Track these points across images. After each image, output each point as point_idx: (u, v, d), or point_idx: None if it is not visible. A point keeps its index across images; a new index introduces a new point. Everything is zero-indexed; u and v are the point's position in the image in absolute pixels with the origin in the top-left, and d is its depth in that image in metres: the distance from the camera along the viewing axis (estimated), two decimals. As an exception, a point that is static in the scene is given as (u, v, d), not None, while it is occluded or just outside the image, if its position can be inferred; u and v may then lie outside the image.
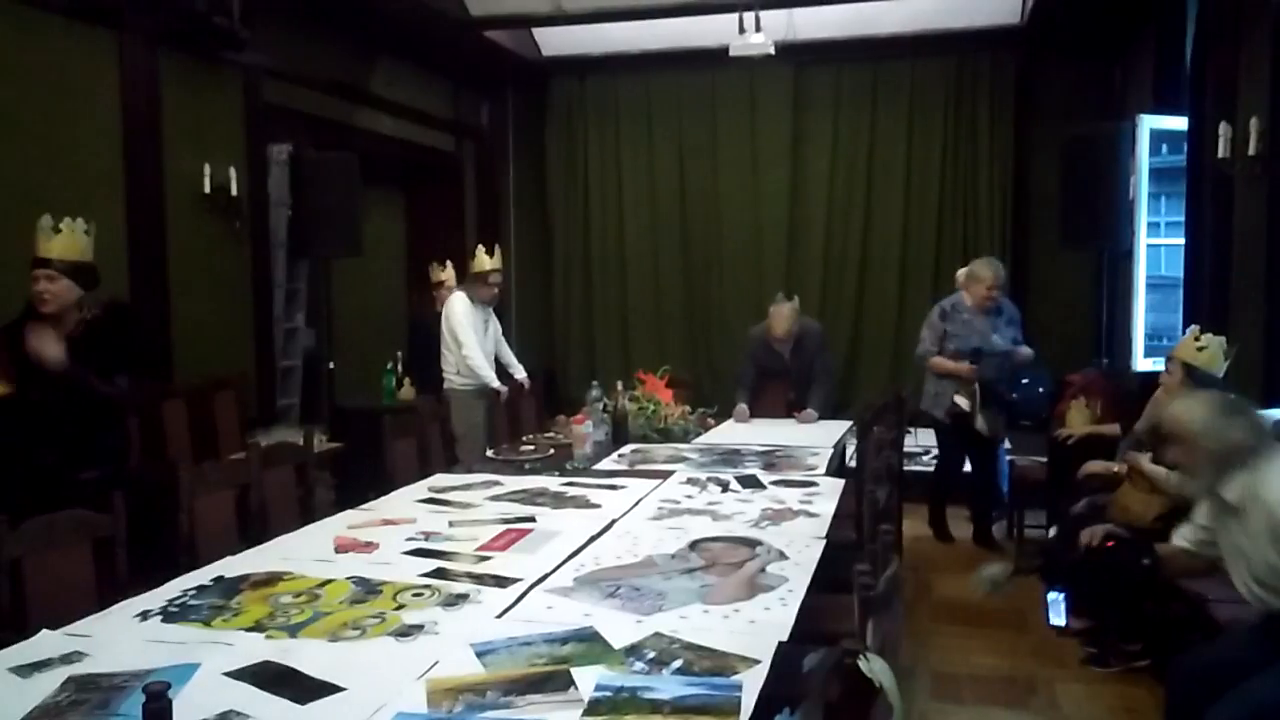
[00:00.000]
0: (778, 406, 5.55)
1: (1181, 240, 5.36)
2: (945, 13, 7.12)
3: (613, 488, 3.67)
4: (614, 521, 3.15)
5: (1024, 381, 5.56)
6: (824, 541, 2.86)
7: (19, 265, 3.49)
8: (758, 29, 6.22)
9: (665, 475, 3.89)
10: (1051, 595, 3.85)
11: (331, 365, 6.60)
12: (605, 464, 4.21)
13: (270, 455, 3.55)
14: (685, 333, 8.29)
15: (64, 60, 4.57)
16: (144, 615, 2.28)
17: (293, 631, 2.17)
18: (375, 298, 7.79)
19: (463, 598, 2.38)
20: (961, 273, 5.91)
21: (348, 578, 2.54)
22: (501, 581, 2.51)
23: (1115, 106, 7.09)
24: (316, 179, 5.95)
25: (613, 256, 8.38)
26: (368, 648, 2.08)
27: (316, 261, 6.34)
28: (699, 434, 4.92)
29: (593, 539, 2.93)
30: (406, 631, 2.15)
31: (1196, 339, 3.78)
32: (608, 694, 1.81)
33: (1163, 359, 4.18)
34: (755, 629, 2.14)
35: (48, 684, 1.89)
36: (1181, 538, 3.01)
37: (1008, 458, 5.69)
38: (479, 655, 2.00)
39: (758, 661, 1.94)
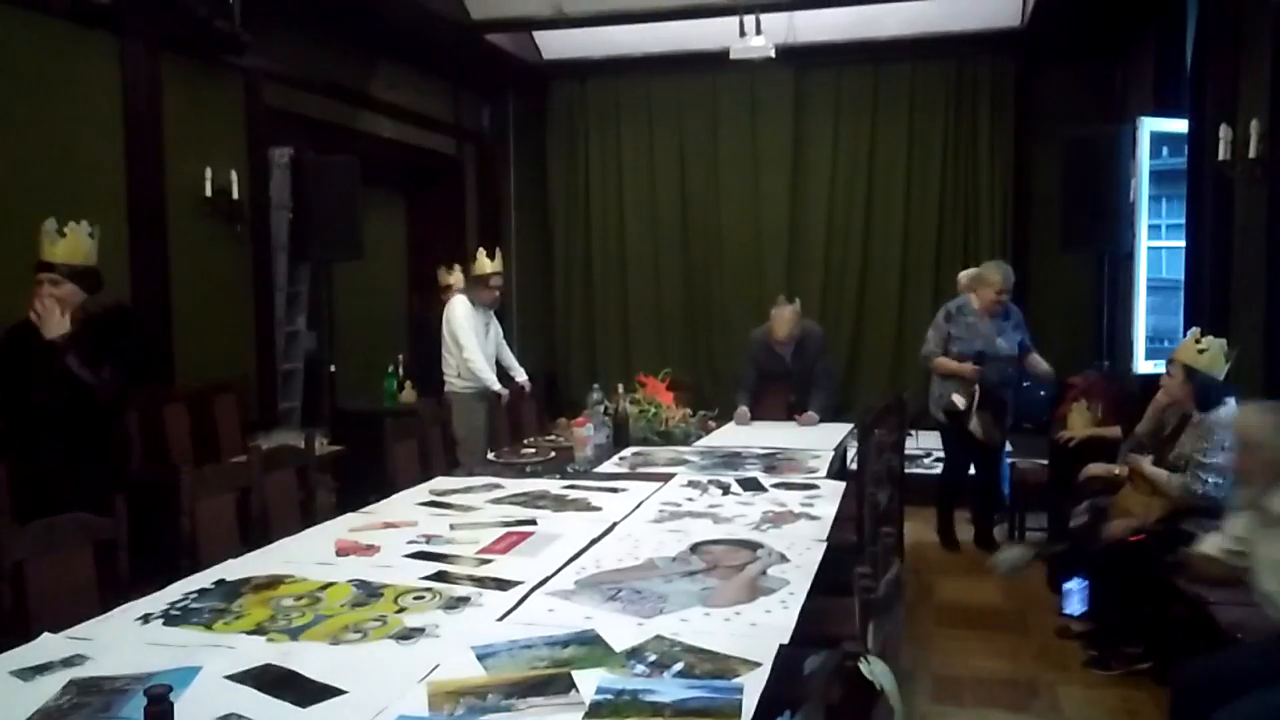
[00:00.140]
0: (779, 409, 5.54)
1: (1182, 242, 5.36)
2: (945, 15, 7.12)
3: (614, 490, 3.66)
4: (615, 524, 3.14)
5: (1025, 384, 5.57)
6: (825, 544, 2.86)
7: (22, 268, 3.49)
8: (758, 32, 6.24)
9: (666, 478, 3.89)
10: (1070, 584, 3.79)
11: (333, 368, 6.60)
12: (606, 467, 4.21)
13: (271, 458, 3.55)
14: (686, 335, 8.29)
15: (66, 64, 4.58)
16: (145, 618, 2.28)
17: (294, 634, 2.17)
18: (376, 301, 7.80)
19: (464, 601, 2.38)
20: (963, 275, 5.92)
21: (349, 581, 2.54)
22: (503, 584, 2.50)
23: (1115, 109, 7.10)
24: (317, 182, 5.96)
25: (613, 259, 8.38)
26: (369, 651, 2.08)
27: (318, 264, 6.35)
28: (700, 437, 4.92)
29: (594, 542, 2.93)
30: (408, 634, 2.15)
31: (1197, 341, 3.78)
32: (609, 697, 1.81)
33: (1164, 361, 4.18)
34: (756, 632, 2.14)
35: (49, 687, 1.89)
36: (1211, 545, 3.00)
37: (1009, 460, 5.69)
38: (480, 658, 2.00)
39: (759, 664, 1.93)
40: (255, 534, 3.18)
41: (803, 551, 2.77)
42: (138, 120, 4.88)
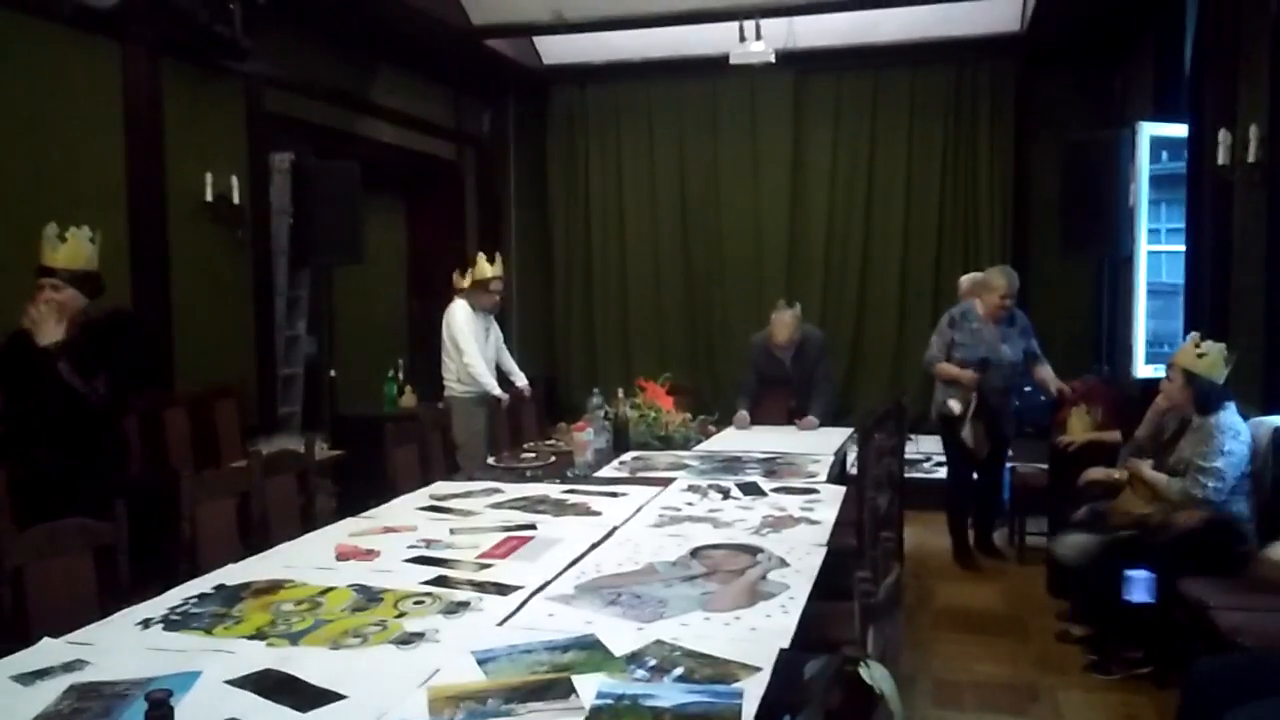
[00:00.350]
0: (779, 414, 5.54)
1: (1182, 247, 5.36)
2: (945, 21, 7.13)
3: (614, 495, 3.67)
4: (615, 529, 3.14)
5: (1026, 389, 5.56)
6: (825, 549, 2.86)
7: (23, 273, 3.50)
8: (758, 37, 6.26)
9: (666, 482, 3.89)
10: (1135, 572, 3.68)
11: (333, 373, 6.61)
12: (606, 471, 4.21)
13: (271, 463, 3.55)
14: (686, 340, 8.29)
15: (67, 70, 4.58)
16: (146, 623, 2.28)
17: (294, 639, 2.17)
18: (377, 305, 7.81)
19: (464, 605, 2.38)
20: (964, 279, 5.91)
21: (349, 585, 2.54)
22: (503, 589, 2.50)
23: (1115, 113, 7.11)
24: (318, 187, 5.97)
25: (614, 264, 8.39)
26: (369, 655, 2.08)
27: (318, 269, 6.36)
28: (700, 441, 4.91)
29: (594, 546, 2.93)
30: (408, 639, 2.15)
31: (1197, 345, 3.78)
32: (609, 702, 1.81)
33: (1163, 366, 4.18)
34: (756, 636, 2.14)
35: (49, 692, 1.89)
36: None
37: (1009, 464, 5.68)
38: (480, 663, 2.00)
39: (759, 669, 1.93)
40: (255, 539, 3.18)
41: (803, 556, 2.77)
42: (139, 125, 4.88)
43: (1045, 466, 5.33)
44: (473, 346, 5.49)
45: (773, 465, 4.26)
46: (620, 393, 5.06)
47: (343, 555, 2.86)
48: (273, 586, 2.55)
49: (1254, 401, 4.03)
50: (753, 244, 8.07)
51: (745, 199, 8.07)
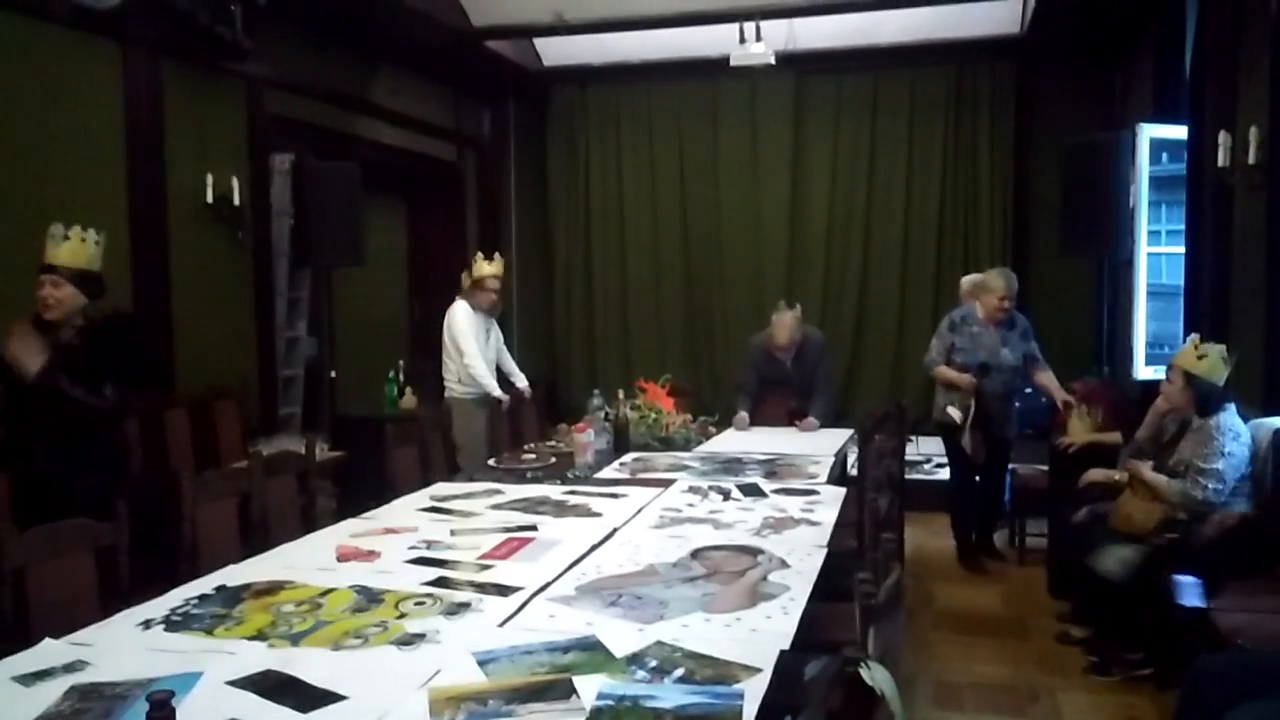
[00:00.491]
0: (779, 415, 5.54)
1: (1182, 248, 5.36)
2: (945, 22, 7.14)
3: (614, 496, 3.67)
4: (615, 530, 3.15)
5: (1027, 391, 5.56)
6: (825, 550, 2.86)
7: (24, 274, 3.50)
8: (758, 39, 6.26)
9: (667, 484, 3.89)
10: (1182, 577, 3.64)
11: (333, 374, 6.60)
12: (606, 472, 4.21)
13: (272, 464, 3.56)
14: (686, 341, 8.30)
15: (67, 71, 4.58)
16: (146, 624, 2.28)
17: (295, 640, 2.17)
18: (377, 307, 7.80)
19: (464, 606, 2.38)
20: (965, 281, 5.91)
21: (350, 586, 2.54)
22: (503, 590, 2.51)
23: (1115, 115, 7.12)
24: (318, 188, 5.97)
25: (614, 265, 8.40)
26: (370, 656, 2.08)
27: (318, 270, 6.36)
28: (700, 442, 4.92)
29: (594, 547, 2.93)
30: (408, 640, 2.15)
31: (1196, 347, 3.78)
32: (610, 703, 1.81)
33: (1164, 367, 4.18)
34: (757, 637, 2.14)
35: (50, 693, 1.90)
36: None
37: (1009, 466, 5.68)
38: (481, 664, 2.01)
39: (759, 670, 1.94)
40: (256, 539, 3.18)
41: (803, 557, 2.77)
42: (139, 126, 4.89)
43: (1045, 468, 5.33)
44: (473, 348, 5.50)
45: (773, 466, 4.26)
46: (620, 394, 5.06)
47: (343, 556, 2.86)
48: (273, 587, 2.55)
49: (1254, 403, 4.03)
50: (753, 245, 8.08)
51: (745, 200, 8.07)
